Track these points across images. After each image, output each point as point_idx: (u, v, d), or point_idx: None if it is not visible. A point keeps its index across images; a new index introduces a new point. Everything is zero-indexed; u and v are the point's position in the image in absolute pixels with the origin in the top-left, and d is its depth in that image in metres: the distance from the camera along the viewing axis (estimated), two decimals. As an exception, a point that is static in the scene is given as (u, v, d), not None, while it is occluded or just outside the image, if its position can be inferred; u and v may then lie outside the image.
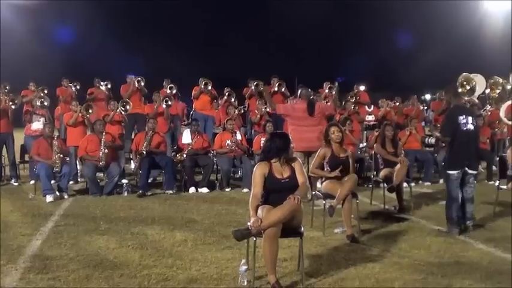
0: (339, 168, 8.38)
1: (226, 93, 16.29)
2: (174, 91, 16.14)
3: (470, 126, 8.38)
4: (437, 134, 9.04)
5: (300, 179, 6.21)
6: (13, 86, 15.58)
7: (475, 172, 8.60)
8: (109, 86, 16.31)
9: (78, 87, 16.57)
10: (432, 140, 8.96)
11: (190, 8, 48.75)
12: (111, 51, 40.11)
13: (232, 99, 16.22)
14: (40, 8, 35.85)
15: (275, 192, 6.10)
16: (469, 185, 8.48)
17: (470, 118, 8.42)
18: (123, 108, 14.07)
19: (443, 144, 8.79)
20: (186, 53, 47.17)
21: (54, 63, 33.86)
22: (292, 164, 6.31)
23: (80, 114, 13.51)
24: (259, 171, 6.17)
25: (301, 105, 11.32)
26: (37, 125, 14.16)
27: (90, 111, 13.64)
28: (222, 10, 51.89)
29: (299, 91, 11.84)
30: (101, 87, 16.23)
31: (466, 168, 8.37)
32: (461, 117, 8.35)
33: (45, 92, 15.71)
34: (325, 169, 8.63)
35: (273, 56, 49.28)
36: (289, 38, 50.48)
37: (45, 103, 14.68)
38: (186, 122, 16.64)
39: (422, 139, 12.78)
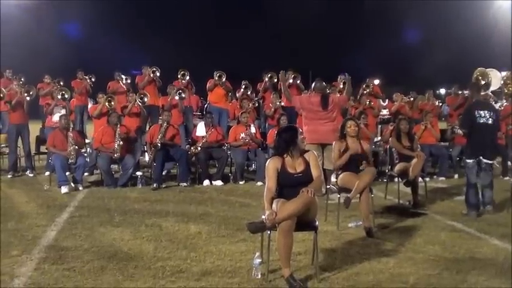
0: (359, 151, 8.44)
1: (243, 86, 16.27)
2: (187, 78, 16.04)
3: (489, 120, 9.04)
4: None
5: (315, 173, 6.16)
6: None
7: (489, 162, 9.19)
8: (129, 81, 16.29)
9: (93, 79, 16.61)
10: (460, 131, 9.46)
11: (203, 1, 48.88)
12: (121, 46, 40.25)
13: (249, 92, 16.21)
14: (49, 3, 36.11)
15: (288, 187, 6.06)
16: (485, 172, 9.15)
17: (489, 113, 9.07)
18: (140, 100, 14.07)
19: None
20: (198, 47, 47.28)
21: (62, 57, 34.09)
22: (307, 157, 6.25)
23: (105, 106, 13.60)
24: (271, 165, 6.14)
25: (315, 98, 11.23)
26: (58, 116, 14.20)
27: (113, 103, 13.68)
28: (234, 4, 51.94)
29: (313, 84, 11.78)
30: (121, 81, 16.24)
31: (481, 158, 9.06)
32: (479, 112, 9.03)
33: (61, 84, 15.79)
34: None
35: (287, 50, 49.30)
36: (303, 32, 50.37)
37: (66, 95, 14.72)
38: (199, 114, 16.65)
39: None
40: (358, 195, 8.04)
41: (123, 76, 16.26)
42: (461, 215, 9.16)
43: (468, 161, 9.24)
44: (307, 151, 6.40)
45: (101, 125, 13.26)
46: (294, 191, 5.87)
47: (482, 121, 9.02)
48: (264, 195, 6.00)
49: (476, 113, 9.06)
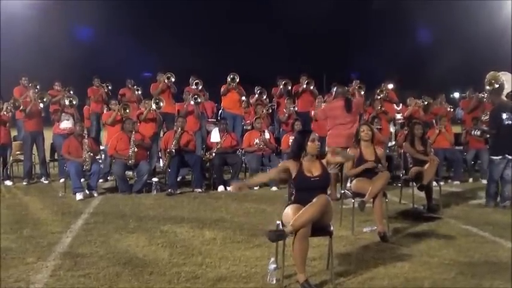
0: (375, 165, 8.40)
1: (258, 92, 16.24)
2: (200, 87, 16.02)
3: (510, 122, 10.06)
4: (484, 128, 10.98)
5: None
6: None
7: None
8: (140, 92, 16.29)
9: (110, 87, 16.64)
10: (478, 132, 10.45)
11: (216, 4, 48.94)
12: (132, 48, 40.35)
13: (264, 97, 16.19)
14: (59, 7, 36.18)
15: (305, 190, 6.05)
16: (509, 168, 10.03)
17: (511, 115, 10.11)
18: (156, 106, 14.09)
19: (488, 136, 10.77)
20: (211, 51, 47.33)
21: (74, 60, 34.21)
22: (324, 162, 6.27)
23: (119, 113, 13.63)
24: (283, 163, 6.19)
25: (338, 103, 11.30)
26: (65, 123, 14.30)
27: (128, 110, 13.71)
28: (247, 6, 51.98)
29: (334, 89, 11.88)
30: (132, 90, 16.28)
31: (507, 155, 9.98)
32: (504, 114, 10.10)
33: (71, 92, 15.83)
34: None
35: (300, 53, 49.27)
36: (317, 35, 50.28)
37: (74, 102, 14.77)
38: (214, 120, 16.66)
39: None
40: (372, 200, 8.04)
41: (135, 85, 16.29)
42: (476, 218, 9.33)
43: (495, 157, 10.13)
44: (326, 155, 6.40)
45: (115, 132, 13.30)
46: (310, 195, 5.86)
47: (507, 123, 10.04)
48: (258, 174, 6.01)
49: (502, 115, 10.12)
